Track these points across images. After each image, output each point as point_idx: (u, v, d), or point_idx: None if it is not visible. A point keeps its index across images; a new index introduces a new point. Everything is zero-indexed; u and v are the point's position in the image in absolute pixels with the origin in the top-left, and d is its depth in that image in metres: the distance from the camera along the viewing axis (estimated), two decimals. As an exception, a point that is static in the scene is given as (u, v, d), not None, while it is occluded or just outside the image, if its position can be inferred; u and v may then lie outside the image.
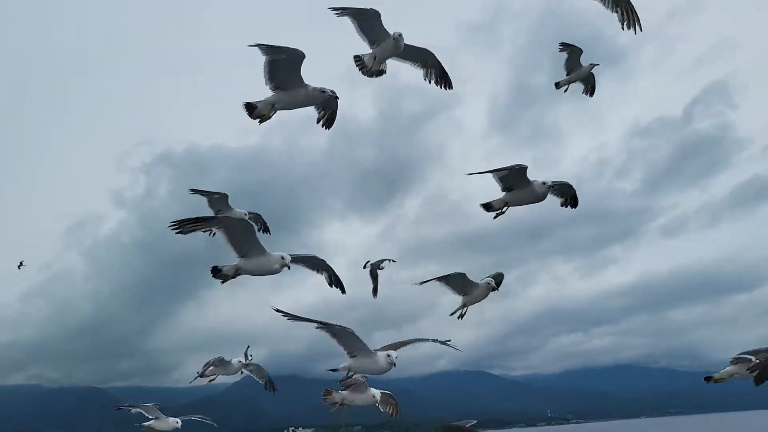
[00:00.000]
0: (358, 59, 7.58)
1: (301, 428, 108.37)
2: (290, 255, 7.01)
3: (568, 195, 8.21)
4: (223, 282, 7.10)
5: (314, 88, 6.79)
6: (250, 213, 10.08)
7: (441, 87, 7.95)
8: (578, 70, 9.95)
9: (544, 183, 7.69)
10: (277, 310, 6.41)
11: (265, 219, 10.41)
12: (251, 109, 6.93)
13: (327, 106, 7.42)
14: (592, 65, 9.98)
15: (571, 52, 9.83)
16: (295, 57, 6.51)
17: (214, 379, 10.77)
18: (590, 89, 10.26)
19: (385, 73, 7.77)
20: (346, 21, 7.26)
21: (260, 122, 6.99)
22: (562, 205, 8.30)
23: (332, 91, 6.91)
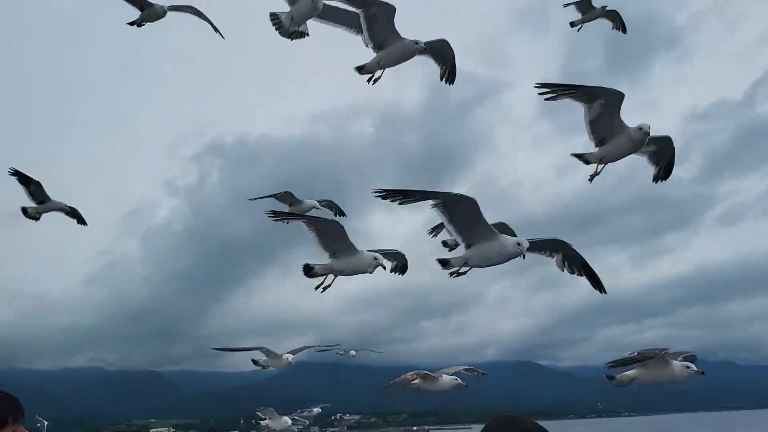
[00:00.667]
0: (274, 17, 7.26)
1: (348, 414, 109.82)
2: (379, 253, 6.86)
3: (663, 162, 6.61)
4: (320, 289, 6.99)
5: (410, 41, 6.81)
6: (322, 201, 9.93)
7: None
8: (591, 12, 10.47)
9: (640, 128, 6.11)
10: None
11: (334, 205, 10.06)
12: (360, 69, 7.12)
13: (444, 60, 7.25)
14: (604, 6, 10.52)
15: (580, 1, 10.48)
16: (389, 11, 6.63)
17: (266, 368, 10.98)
18: (620, 26, 10.62)
19: (307, 35, 7.47)
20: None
21: (370, 81, 7.20)
22: (654, 180, 6.72)
23: (424, 44, 6.91)
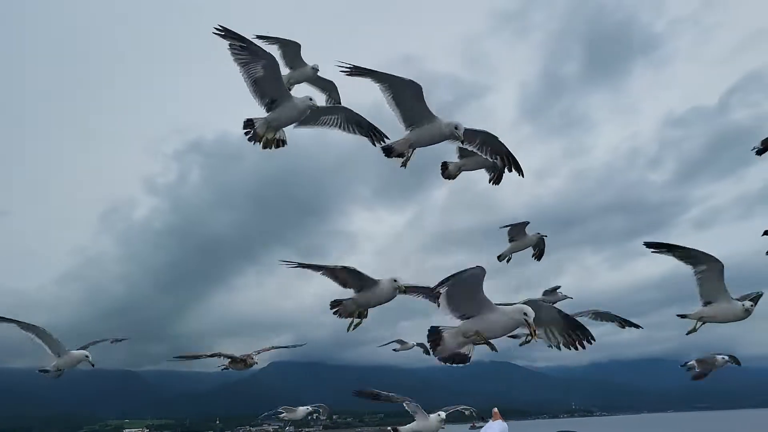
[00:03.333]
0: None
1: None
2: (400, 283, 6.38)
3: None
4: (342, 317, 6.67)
5: (447, 123, 6.18)
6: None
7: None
8: (523, 239, 9.49)
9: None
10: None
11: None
12: (388, 151, 6.50)
13: (495, 167, 7.34)
14: (539, 234, 9.55)
15: (513, 227, 9.48)
16: (417, 90, 6.00)
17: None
18: (538, 253, 9.78)
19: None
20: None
21: (403, 165, 6.56)
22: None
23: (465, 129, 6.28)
